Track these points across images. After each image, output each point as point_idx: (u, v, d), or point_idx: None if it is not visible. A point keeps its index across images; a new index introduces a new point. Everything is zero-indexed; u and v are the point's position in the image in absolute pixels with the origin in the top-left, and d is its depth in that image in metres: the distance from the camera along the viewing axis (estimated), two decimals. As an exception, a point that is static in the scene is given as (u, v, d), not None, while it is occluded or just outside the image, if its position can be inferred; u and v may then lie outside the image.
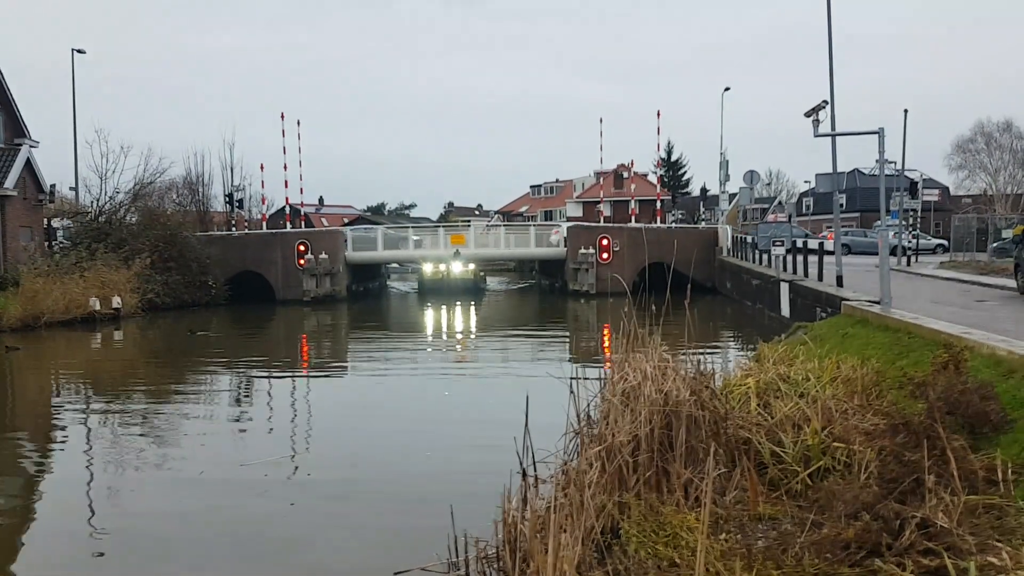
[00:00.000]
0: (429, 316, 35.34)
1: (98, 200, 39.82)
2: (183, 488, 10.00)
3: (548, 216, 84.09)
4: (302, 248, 40.15)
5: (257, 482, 10.05)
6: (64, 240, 37.92)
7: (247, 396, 17.06)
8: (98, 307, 29.73)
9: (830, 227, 40.73)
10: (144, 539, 8.34)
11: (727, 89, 49.11)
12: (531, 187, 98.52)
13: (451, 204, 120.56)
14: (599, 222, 52.92)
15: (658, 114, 47.36)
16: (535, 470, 7.30)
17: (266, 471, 10.51)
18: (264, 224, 49.08)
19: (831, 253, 23.66)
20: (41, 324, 27.44)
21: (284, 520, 8.76)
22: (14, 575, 7.64)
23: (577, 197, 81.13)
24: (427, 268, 47.48)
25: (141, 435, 12.97)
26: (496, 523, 6.88)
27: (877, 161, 16.96)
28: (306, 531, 8.42)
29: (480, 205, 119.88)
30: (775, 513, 6.37)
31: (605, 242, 40.62)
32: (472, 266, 46.16)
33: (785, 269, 25.79)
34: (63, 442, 13.16)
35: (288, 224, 48.47)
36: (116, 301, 30.59)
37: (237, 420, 14.40)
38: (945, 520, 5.44)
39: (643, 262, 37.94)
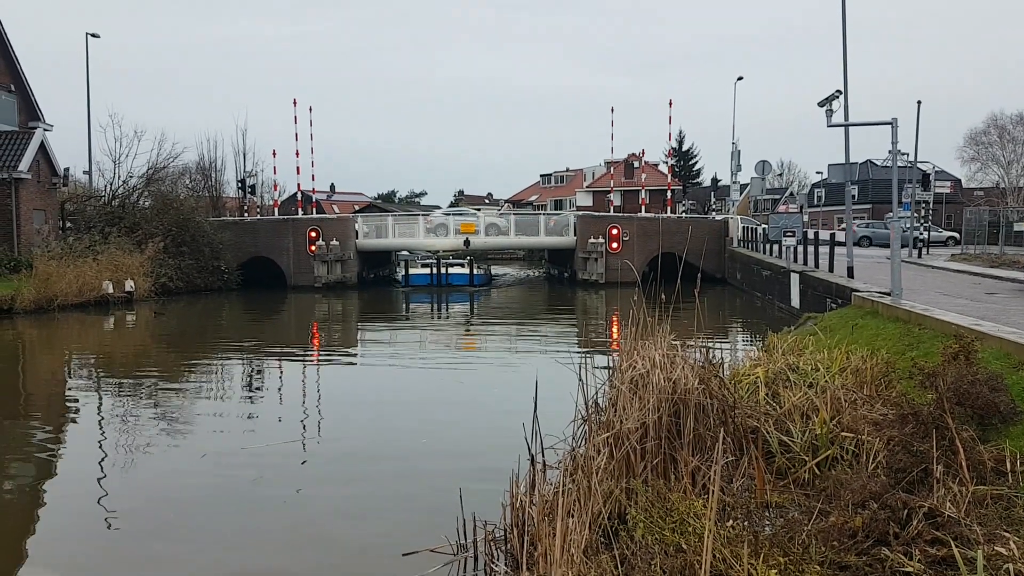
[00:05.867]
0: (438, 305, 35.36)
1: (111, 184, 40.08)
2: (194, 469, 10.10)
3: (558, 205, 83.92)
4: (313, 235, 40.26)
5: (268, 464, 10.14)
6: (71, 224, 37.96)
7: (258, 380, 17.17)
8: (111, 291, 29.92)
9: (855, 220, 40.41)
10: (155, 520, 8.43)
11: (740, 79, 48.87)
12: (541, 176, 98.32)
13: (461, 192, 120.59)
14: (609, 211, 52.78)
15: (670, 103, 47.05)
16: (543, 456, 7.34)
17: (276, 453, 10.60)
18: (276, 210, 49.16)
19: (843, 244, 23.56)
20: (54, 307, 27.66)
21: (294, 502, 8.84)
22: (28, 551, 7.76)
23: (587, 186, 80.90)
24: (417, 258, 43.66)
25: (152, 417, 13.08)
26: (504, 507, 6.94)
27: (890, 152, 16.88)
28: (316, 513, 8.49)
29: (490, 194, 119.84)
30: (782, 501, 6.40)
31: (615, 232, 40.54)
32: (468, 258, 42.36)
33: (795, 260, 25.71)
34: (75, 424, 13.29)
35: (300, 210, 48.46)
36: (129, 285, 30.77)
37: (247, 403, 14.48)
38: (953, 510, 5.46)
39: (653, 252, 37.96)
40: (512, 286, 46.31)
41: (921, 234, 34.52)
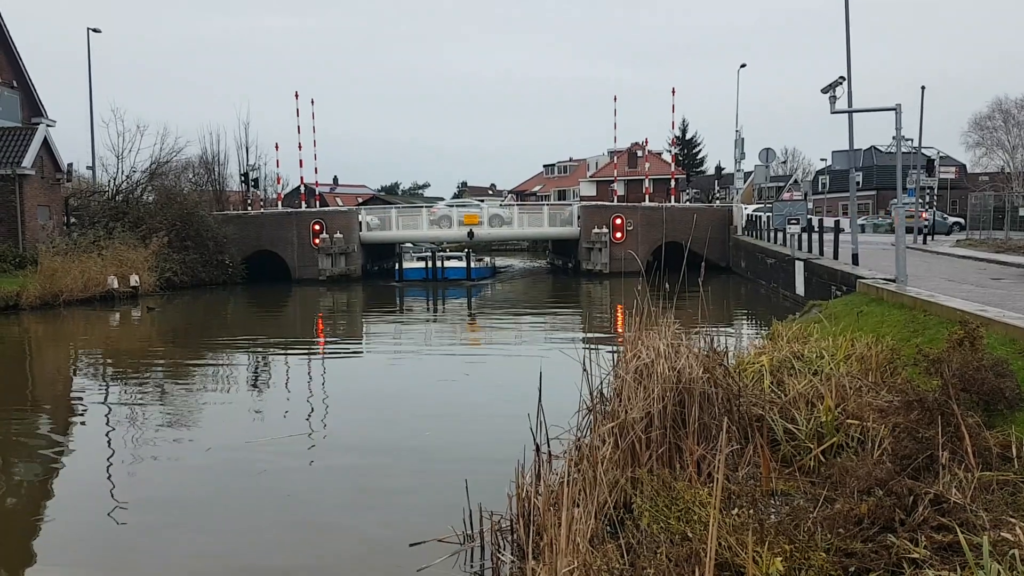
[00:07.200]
0: (441, 297, 35.34)
1: (115, 179, 40.11)
2: (200, 463, 10.13)
3: (561, 195, 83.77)
4: (317, 228, 40.26)
5: (273, 457, 10.17)
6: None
7: (263, 374, 17.20)
8: (116, 285, 29.97)
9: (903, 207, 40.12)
10: (161, 512, 8.47)
11: (743, 66, 48.69)
12: (544, 166, 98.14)
13: (464, 184, 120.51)
14: (613, 201, 52.63)
15: (673, 91, 46.86)
16: (548, 446, 7.35)
17: (281, 446, 10.63)
18: (279, 204, 49.13)
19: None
20: (60, 302, 27.71)
21: (299, 494, 8.86)
22: (35, 545, 7.79)
23: (591, 176, 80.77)
24: (413, 251, 42.61)
25: (158, 411, 13.13)
26: (510, 497, 6.96)
27: (894, 138, 16.82)
28: (322, 504, 8.52)
29: (493, 185, 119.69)
30: (788, 489, 6.40)
31: (619, 221, 40.47)
32: (466, 250, 40.64)
33: (800, 248, 25.66)
34: (81, 418, 13.34)
35: (303, 204, 48.44)
36: (134, 280, 30.83)
37: (252, 397, 14.53)
38: (959, 496, 5.46)
39: (657, 241, 37.89)
40: (515, 279, 46.06)
41: (925, 220, 34.40)
